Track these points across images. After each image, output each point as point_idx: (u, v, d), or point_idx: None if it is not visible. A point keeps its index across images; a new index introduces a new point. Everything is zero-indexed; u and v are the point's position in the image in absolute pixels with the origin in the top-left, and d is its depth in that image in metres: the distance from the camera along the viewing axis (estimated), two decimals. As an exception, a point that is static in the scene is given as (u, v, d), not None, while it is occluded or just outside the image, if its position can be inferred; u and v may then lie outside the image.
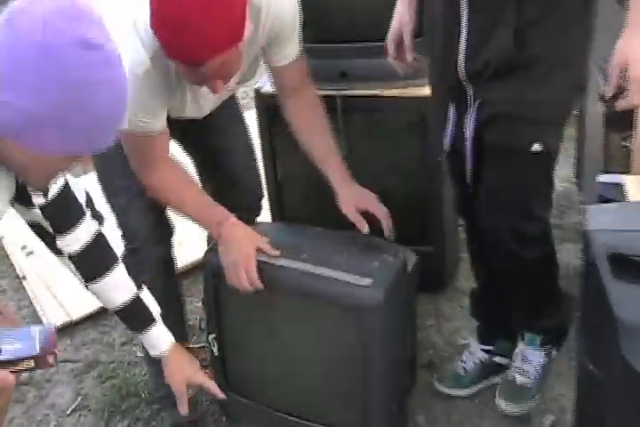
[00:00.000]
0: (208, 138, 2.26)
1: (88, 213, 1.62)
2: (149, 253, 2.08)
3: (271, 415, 2.08)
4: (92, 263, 1.67)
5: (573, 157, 3.18)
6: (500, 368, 2.28)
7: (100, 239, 1.66)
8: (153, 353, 1.80)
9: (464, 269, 2.73)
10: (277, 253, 1.91)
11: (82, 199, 1.61)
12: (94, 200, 1.68)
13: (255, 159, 2.45)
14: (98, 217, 1.66)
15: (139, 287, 1.74)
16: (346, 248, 1.93)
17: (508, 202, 1.93)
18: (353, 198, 2.08)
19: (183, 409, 1.81)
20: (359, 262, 1.90)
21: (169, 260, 2.17)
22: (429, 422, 2.22)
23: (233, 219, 1.96)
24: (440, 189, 2.49)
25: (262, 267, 1.89)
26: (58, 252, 1.65)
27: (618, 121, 2.81)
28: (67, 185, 1.55)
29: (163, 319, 1.83)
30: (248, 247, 1.90)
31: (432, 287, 2.62)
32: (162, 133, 1.90)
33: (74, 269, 1.68)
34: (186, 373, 1.80)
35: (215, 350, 2.10)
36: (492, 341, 2.30)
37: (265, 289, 1.89)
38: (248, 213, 2.27)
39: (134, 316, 1.76)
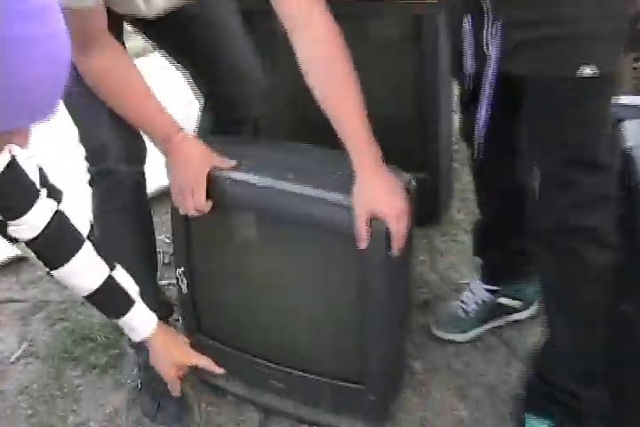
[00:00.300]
0: (205, 32, 1.93)
1: (43, 193, 1.39)
2: (121, 172, 1.81)
3: (249, 362, 1.87)
4: (53, 248, 1.46)
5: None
6: (507, 309, 2.04)
7: (59, 220, 1.43)
8: (134, 338, 1.63)
9: (457, 201, 2.54)
10: (235, 163, 1.69)
11: (34, 176, 1.38)
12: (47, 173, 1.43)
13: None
14: (55, 193, 1.43)
15: (111, 268, 1.53)
16: (339, 168, 1.65)
17: (558, 148, 1.54)
18: (370, 197, 1.55)
19: (176, 393, 1.71)
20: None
21: (141, 182, 1.90)
22: (427, 370, 1.99)
23: (183, 133, 1.71)
24: (437, 111, 2.32)
25: (242, 189, 1.65)
26: (12, 239, 1.42)
27: (629, 41, 2.65)
28: (13, 162, 1.31)
29: (133, 255, 1.68)
30: (198, 170, 1.67)
31: (424, 220, 2.38)
32: (96, 8, 1.56)
33: (33, 256, 1.45)
34: (173, 356, 1.66)
35: (184, 286, 1.87)
36: (498, 281, 2.05)
37: (245, 214, 1.68)
38: (251, 108, 2.04)
39: (110, 300, 1.57)
